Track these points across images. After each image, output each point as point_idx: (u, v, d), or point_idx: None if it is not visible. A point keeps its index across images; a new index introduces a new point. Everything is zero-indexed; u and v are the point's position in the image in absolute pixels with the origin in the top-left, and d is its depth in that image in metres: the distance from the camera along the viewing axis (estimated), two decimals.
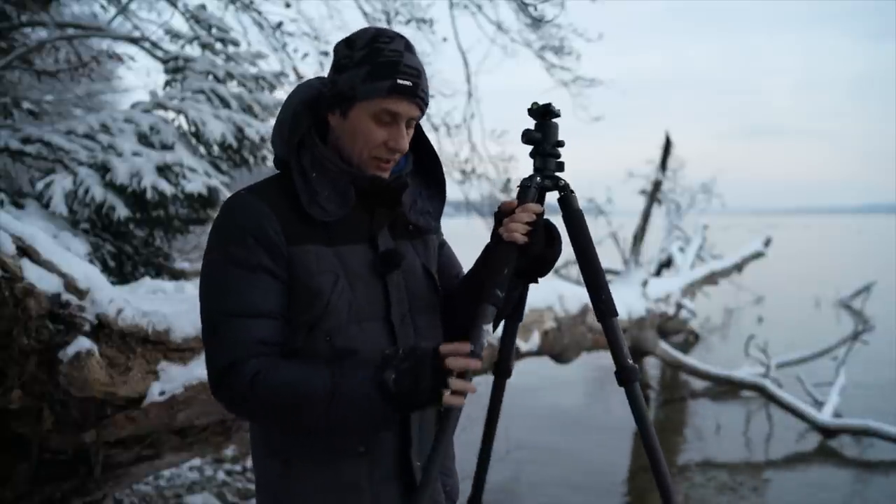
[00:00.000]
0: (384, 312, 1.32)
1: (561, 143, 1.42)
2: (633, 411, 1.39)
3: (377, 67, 1.26)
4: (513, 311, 1.50)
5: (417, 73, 1.29)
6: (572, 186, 1.44)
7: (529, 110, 1.41)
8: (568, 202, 1.43)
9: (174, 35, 5.53)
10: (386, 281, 1.33)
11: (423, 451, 1.34)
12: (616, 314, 1.43)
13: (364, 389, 1.19)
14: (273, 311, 1.25)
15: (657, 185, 7.72)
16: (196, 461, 4.73)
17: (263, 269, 1.25)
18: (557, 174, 1.43)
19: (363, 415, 1.20)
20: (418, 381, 1.18)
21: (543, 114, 1.41)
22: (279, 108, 1.39)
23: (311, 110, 1.35)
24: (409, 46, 1.31)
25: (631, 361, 1.40)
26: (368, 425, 1.24)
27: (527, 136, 1.41)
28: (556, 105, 1.42)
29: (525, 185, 1.41)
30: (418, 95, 1.29)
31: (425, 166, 1.45)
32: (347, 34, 1.35)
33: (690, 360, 7.26)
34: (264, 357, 1.23)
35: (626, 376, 1.39)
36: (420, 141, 1.44)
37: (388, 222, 1.37)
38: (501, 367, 1.54)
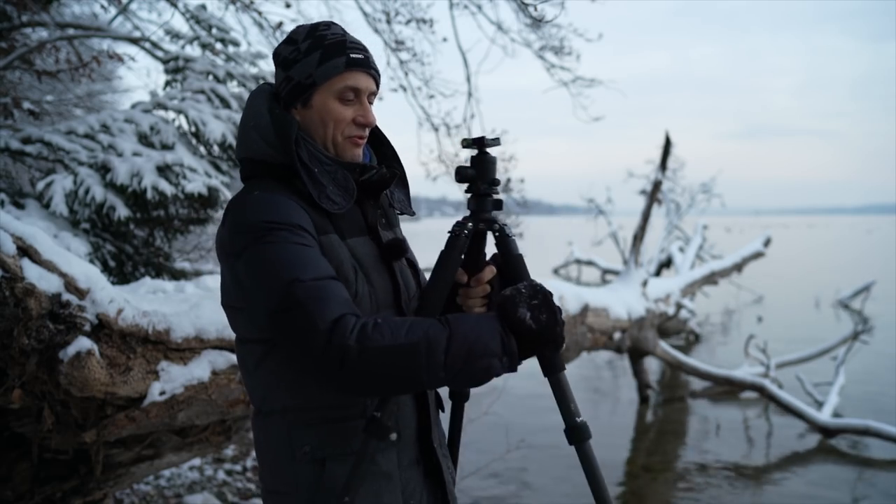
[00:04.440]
0: (394, 300, 1.36)
1: (496, 182, 1.31)
2: (586, 471, 1.25)
3: (327, 49, 1.31)
4: None
5: (364, 48, 1.35)
6: (509, 230, 1.33)
7: (463, 144, 1.32)
8: (506, 247, 1.33)
9: (174, 35, 5.54)
10: (393, 269, 1.37)
11: (436, 434, 1.42)
12: (563, 368, 1.27)
13: (490, 325, 1.17)
14: (338, 278, 1.24)
15: (657, 185, 7.72)
16: (196, 461, 4.73)
17: (313, 248, 1.24)
18: (494, 214, 1.32)
19: (483, 356, 1.15)
20: (555, 313, 1.18)
21: (478, 148, 1.29)
22: (244, 113, 1.37)
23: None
24: (344, 30, 1.36)
25: (580, 419, 1.25)
26: (487, 370, 1.16)
27: (460, 175, 1.30)
28: (493, 135, 1.31)
29: (455, 232, 1.30)
30: (372, 67, 1.35)
31: (387, 158, 1.47)
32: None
33: (690, 360, 7.26)
34: (370, 317, 1.18)
35: (578, 436, 1.25)
36: (377, 134, 1.47)
37: (380, 214, 1.41)
38: (458, 392, 1.50)
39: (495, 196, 1.33)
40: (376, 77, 1.36)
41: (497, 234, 1.35)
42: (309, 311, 1.15)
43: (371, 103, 1.37)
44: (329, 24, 1.36)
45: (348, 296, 1.21)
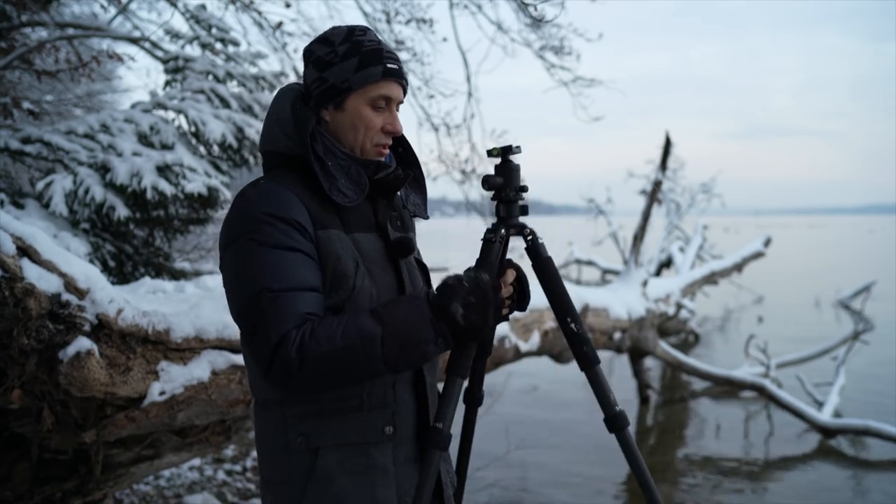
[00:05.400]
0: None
1: (524, 188, 1.38)
2: (627, 456, 1.36)
3: (365, 57, 1.34)
4: (482, 349, 1.52)
5: (398, 58, 1.40)
6: (537, 234, 1.40)
7: (489, 153, 1.37)
8: (536, 251, 1.40)
9: (174, 35, 5.53)
10: (399, 267, 1.40)
11: None
12: (598, 362, 1.38)
13: (419, 313, 1.23)
14: (316, 286, 1.27)
15: (657, 185, 7.71)
16: (196, 461, 4.73)
17: (299, 250, 1.27)
18: (521, 219, 1.39)
19: (418, 345, 1.23)
20: (486, 316, 1.26)
21: (504, 157, 1.35)
22: (269, 109, 1.43)
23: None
24: (379, 38, 1.41)
25: (619, 408, 1.37)
26: (424, 355, 1.25)
27: (488, 183, 1.35)
28: (517, 144, 1.37)
29: (488, 238, 1.36)
30: (404, 77, 1.39)
31: (406, 162, 1.51)
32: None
33: (690, 360, 7.25)
34: (308, 324, 1.23)
35: (618, 424, 1.37)
36: (398, 138, 1.49)
37: (392, 212, 1.44)
38: (472, 396, 1.54)
39: (521, 202, 1.39)
40: (405, 87, 1.41)
41: (528, 238, 1.40)
42: (266, 323, 1.21)
43: (398, 110, 1.41)
44: (365, 30, 1.39)
45: (313, 307, 1.25)
